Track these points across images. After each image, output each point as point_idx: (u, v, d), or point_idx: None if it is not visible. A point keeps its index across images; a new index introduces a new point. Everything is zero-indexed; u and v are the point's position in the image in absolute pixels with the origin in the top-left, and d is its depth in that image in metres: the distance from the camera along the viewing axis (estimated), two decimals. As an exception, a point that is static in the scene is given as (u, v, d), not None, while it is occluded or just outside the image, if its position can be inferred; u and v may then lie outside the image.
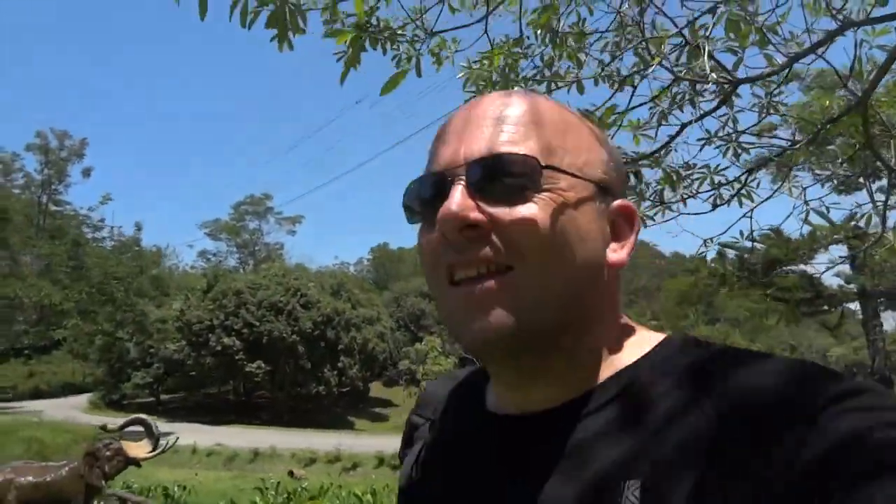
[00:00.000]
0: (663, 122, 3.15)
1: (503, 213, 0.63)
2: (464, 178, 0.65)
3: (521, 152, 0.65)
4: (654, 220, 3.32)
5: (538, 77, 3.08)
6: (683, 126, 3.10)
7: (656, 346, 0.67)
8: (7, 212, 22.62)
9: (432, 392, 0.87)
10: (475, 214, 0.63)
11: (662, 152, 3.19)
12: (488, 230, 0.63)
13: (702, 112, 3.13)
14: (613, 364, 0.67)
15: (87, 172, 27.09)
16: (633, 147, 3.16)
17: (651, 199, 3.33)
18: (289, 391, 34.28)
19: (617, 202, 0.70)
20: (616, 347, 0.69)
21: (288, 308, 34.19)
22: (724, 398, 0.56)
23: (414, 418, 0.87)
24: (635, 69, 3.03)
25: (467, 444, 0.73)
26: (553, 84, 3.06)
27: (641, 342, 0.69)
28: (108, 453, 7.39)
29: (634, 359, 0.66)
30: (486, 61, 2.96)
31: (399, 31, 2.77)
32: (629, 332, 0.71)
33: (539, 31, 3.05)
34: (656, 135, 3.12)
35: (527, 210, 0.63)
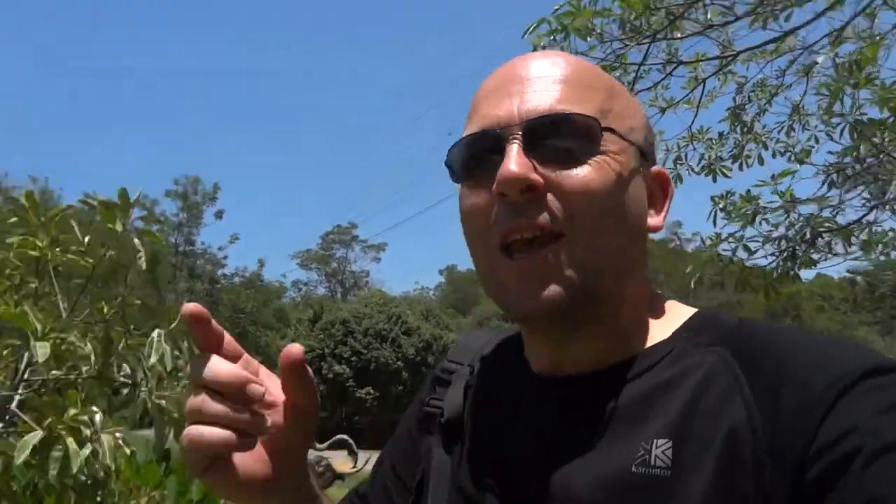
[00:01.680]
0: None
1: (559, 175, 0.61)
2: (520, 137, 0.62)
3: (582, 112, 0.63)
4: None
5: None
6: None
7: (691, 318, 0.67)
8: (159, 254, 25.09)
9: (467, 344, 0.86)
10: (534, 176, 0.61)
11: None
12: (543, 193, 0.61)
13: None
14: (652, 332, 0.67)
15: (219, 214, 29.69)
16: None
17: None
18: (392, 415, 35.67)
19: (654, 168, 0.70)
20: (652, 316, 0.69)
21: (391, 335, 35.87)
22: (756, 371, 0.57)
23: (447, 364, 0.84)
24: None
25: (511, 402, 0.72)
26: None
27: (675, 314, 0.69)
28: (319, 469, 8.31)
29: (672, 329, 0.66)
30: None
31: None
32: (661, 301, 0.72)
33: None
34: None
35: (583, 174, 0.62)
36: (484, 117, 0.65)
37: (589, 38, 3.59)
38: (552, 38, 3.38)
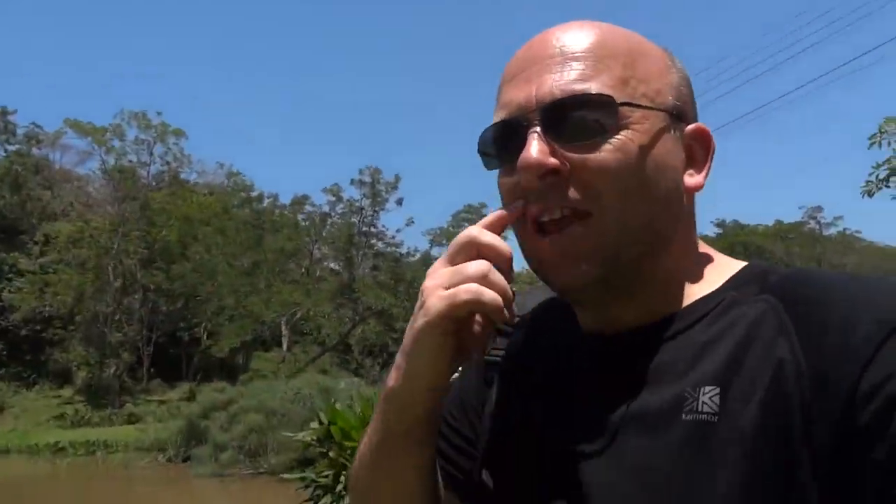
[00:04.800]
0: None
1: (580, 156, 0.63)
2: (538, 122, 0.64)
3: (595, 91, 0.63)
4: None
5: None
6: None
7: (740, 271, 0.68)
8: (353, 237, 28.94)
9: (523, 301, 0.86)
10: (552, 160, 0.63)
11: None
12: (567, 174, 0.63)
13: None
14: (698, 287, 0.68)
15: (399, 202, 32.68)
16: None
17: None
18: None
19: (691, 126, 0.69)
20: (699, 271, 0.70)
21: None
22: (802, 316, 0.58)
23: None
24: None
25: (560, 361, 0.74)
26: None
27: (723, 267, 0.70)
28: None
29: (719, 283, 0.67)
30: None
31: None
32: (709, 257, 0.72)
33: None
34: None
35: (604, 152, 0.63)
36: (506, 104, 0.67)
37: None
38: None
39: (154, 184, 39.82)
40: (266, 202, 34.96)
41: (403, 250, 35.64)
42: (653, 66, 0.68)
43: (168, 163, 41.36)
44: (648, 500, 0.60)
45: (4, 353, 35.47)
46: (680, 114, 0.69)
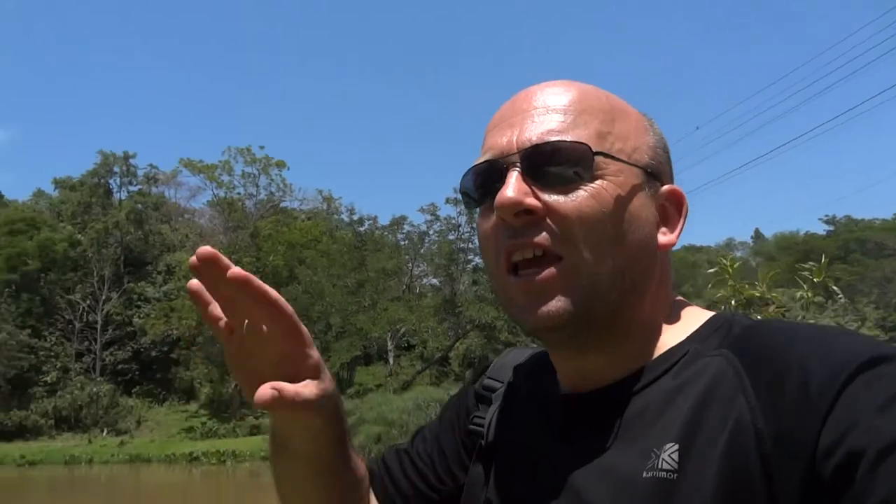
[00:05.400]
0: None
1: (556, 200, 0.65)
2: (518, 164, 0.66)
3: (572, 139, 0.66)
4: None
5: None
6: None
7: (704, 324, 0.69)
8: (452, 253, 30.01)
9: (505, 362, 0.89)
10: (530, 200, 0.65)
11: None
12: (542, 216, 0.65)
13: None
14: (665, 341, 0.69)
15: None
16: None
17: None
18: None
19: (666, 187, 0.71)
20: (668, 325, 0.71)
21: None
22: (759, 370, 0.58)
23: (488, 381, 0.88)
24: None
25: (536, 417, 0.76)
26: None
27: (691, 320, 0.71)
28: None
29: (685, 336, 0.68)
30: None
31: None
32: (679, 309, 0.73)
33: None
34: None
35: (578, 198, 0.65)
36: (490, 148, 0.70)
37: None
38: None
39: (257, 213, 42.64)
40: (367, 225, 36.73)
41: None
42: (630, 126, 0.71)
43: (272, 192, 44.33)
44: None
45: (137, 372, 39.18)
46: (655, 173, 0.71)
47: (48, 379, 35.90)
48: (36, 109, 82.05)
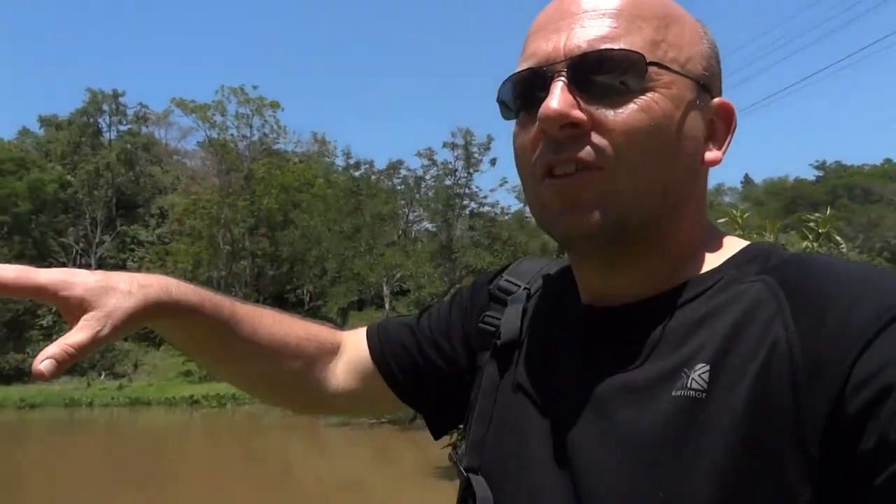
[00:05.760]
0: None
1: (604, 113, 0.62)
2: (564, 74, 0.62)
3: (625, 48, 0.62)
4: None
5: None
6: None
7: (740, 251, 0.67)
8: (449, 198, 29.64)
9: (524, 269, 0.86)
10: (576, 113, 0.61)
11: None
12: (588, 129, 0.62)
13: None
14: (699, 264, 0.67)
15: (493, 162, 33.17)
16: None
17: None
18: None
19: (716, 100, 0.68)
20: (704, 246, 0.69)
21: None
22: (800, 299, 0.57)
23: (504, 283, 0.85)
24: None
25: (561, 330, 0.73)
26: None
27: (727, 246, 0.69)
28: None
29: (720, 262, 0.66)
30: None
31: None
32: (715, 235, 0.71)
33: None
34: None
35: (627, 111, 0.62)
36: (532, 55, 0.66)
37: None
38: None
39: (250, 155, 41.90)
40: (363, 169, 36.13)
41: (497, 210, 36.29)
42: (685, 34, 0.67)
43: (265, 134, 43.40)
44: (634, 469, 0.59)
45: (133, 316, 38.92)
46: (707, 85, 0.67)
47: (44, 322, 35.95)
48: (18, 43, 79.19)
